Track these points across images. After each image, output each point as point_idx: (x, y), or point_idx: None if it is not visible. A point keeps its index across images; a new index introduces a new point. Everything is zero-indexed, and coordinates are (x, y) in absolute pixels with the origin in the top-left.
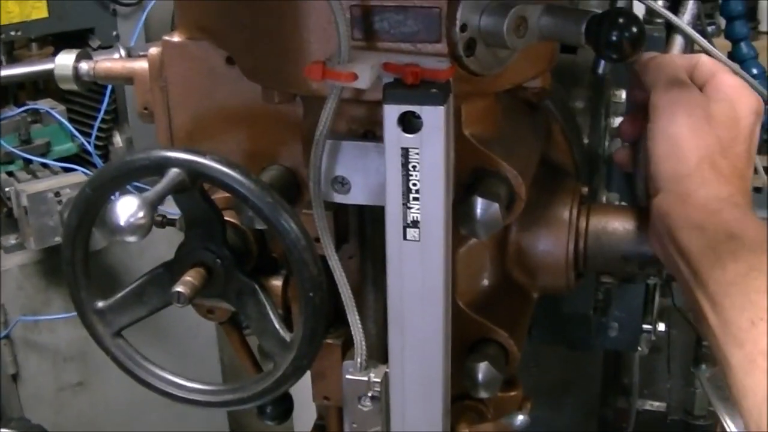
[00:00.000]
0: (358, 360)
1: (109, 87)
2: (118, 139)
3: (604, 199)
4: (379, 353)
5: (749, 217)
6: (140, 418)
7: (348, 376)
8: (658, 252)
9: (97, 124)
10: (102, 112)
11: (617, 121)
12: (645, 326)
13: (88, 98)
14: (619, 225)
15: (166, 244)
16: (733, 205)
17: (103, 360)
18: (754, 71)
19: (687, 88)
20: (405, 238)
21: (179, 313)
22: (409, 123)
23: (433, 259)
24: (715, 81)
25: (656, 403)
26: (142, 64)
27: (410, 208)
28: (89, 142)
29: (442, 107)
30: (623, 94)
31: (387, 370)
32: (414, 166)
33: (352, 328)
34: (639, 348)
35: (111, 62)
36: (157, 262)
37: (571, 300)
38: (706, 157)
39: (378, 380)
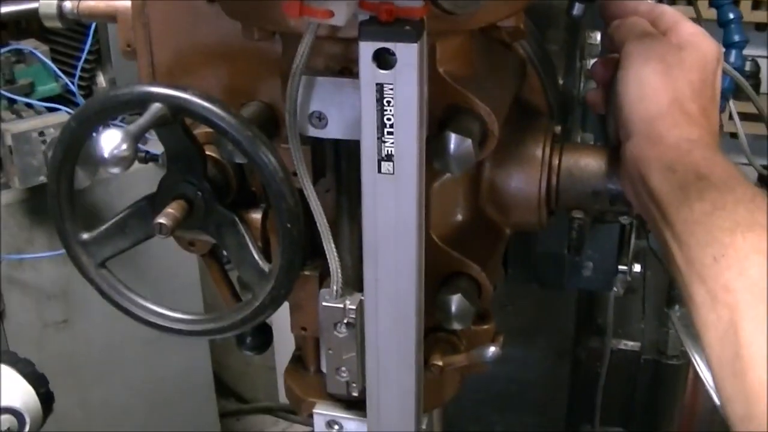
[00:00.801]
0: (334, 288)
1: (92, 27)
2: (101, 79)
3: (578, 139)
4: (354, 284)
5: (718, 157)
6: (122, 355)
7: (324, 303)
8: (630, 196)
9: (80, 64)
10: (85, 53)
11: (592, 62)
12: (621, 267)
13: (71, 38)
14: (591, 161)
15: (146, 183)
16: (704, 146)
17: (86, 298)
18: (731, 15)
19: (657, 37)
20: (379, 171)
21: (161, 252)
22: (384, 60)
23: (407, 192)
24: (678, 28)
25: (630, 343)
26: (124, 3)
27: (384, 142)
28: (73, 83)
29: (415, 44)
30: (598, 36)
31: (362, 297)
32: (388, 101)
33: (328, 257)
34: (614, 288)
35: (94, 1)
36: None
37: (544, 239)
38: (677, 100)
39: (353, 307)
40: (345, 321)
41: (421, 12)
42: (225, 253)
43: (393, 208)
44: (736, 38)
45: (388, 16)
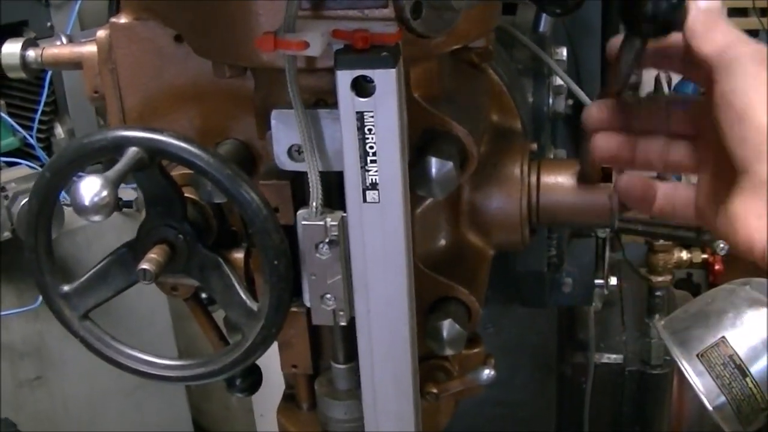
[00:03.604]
0: (314, 205)
1: (48, 78)
2: (59, 131)
3: (551, 155)
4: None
5: None
6: (100, 409)
7: (303, 222)
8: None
9: (37, 116)
10: (42, 104)
11: (558, 79)
12: (597, 281)
13: (26, 91)
14: (569, 177)
15: (114, 233)
16: None
17: (59, 354)
18: None
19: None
20: (365, 200)
21: (133, 301)
22: (362, 87)
23: (394, 220)
24: None
25: (613, 356)
26: (90, 48)
27: (368, 170)
28: (31, 135)
29: (393, 70)
30: (564, 52)
31: (344, 214)
32: (369, 129)
33: (308, 171)
34: (593, 302)
35: (58, 48)
36: (105, 252)
37: (524, 258)
38: None
39: (335, 224)
40: (327, 240)
41: (396, 37)
42: (205, 295)
43: (381, 236)
44: None
45: (363, 43)
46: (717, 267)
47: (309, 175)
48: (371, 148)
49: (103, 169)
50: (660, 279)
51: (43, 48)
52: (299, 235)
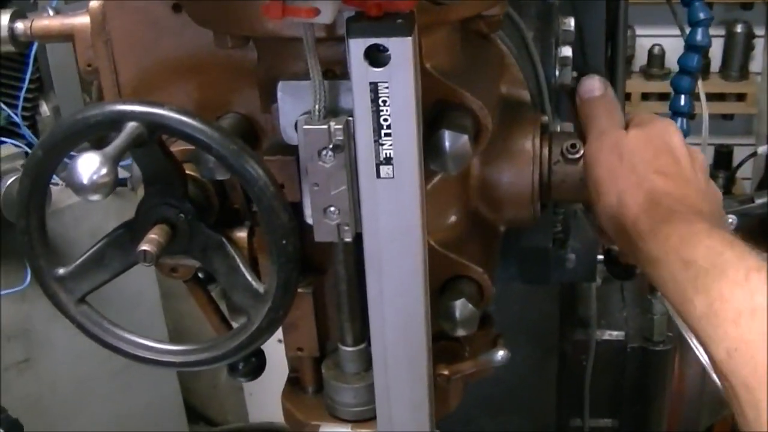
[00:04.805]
0: (316, 108)
1: (32, 56)
2: (45, 109)
3: (558, 128)
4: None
5: (698, 234)
6: (89, 390)
7: (305, 127)
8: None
9: (22, 94)
10: (26, 82)
11: (566, 50)
12: (599, 257)
13: (10, 68)
14: (580, 150)
15: (102, 212)
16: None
17: (47, 335)
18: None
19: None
20: (379, 176)
21: (121, 281)
22: (376, 57)
23: (409, 195)
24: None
25: (615, 333)
26: (82, 20)
27: (382, 144)
28: (16, 114)
29: (409, 38)
30: (572, 22)
31: (349, 118)
32: (384, 101)
33: (311, 74)
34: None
35: (48, 20)
36: (93, 232)
37: (529, 234)
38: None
39: (339, 127)
40: (331, 146)
41: (411, 4)
42: (201, 274)
43: (395, 214)
44: (701, 16)
45: (377, 11)
46: None
47: (312, 76)
48: (385, 120)
49: (91, 148)
50: None
51: (32, 20)
52: (300, 141)
